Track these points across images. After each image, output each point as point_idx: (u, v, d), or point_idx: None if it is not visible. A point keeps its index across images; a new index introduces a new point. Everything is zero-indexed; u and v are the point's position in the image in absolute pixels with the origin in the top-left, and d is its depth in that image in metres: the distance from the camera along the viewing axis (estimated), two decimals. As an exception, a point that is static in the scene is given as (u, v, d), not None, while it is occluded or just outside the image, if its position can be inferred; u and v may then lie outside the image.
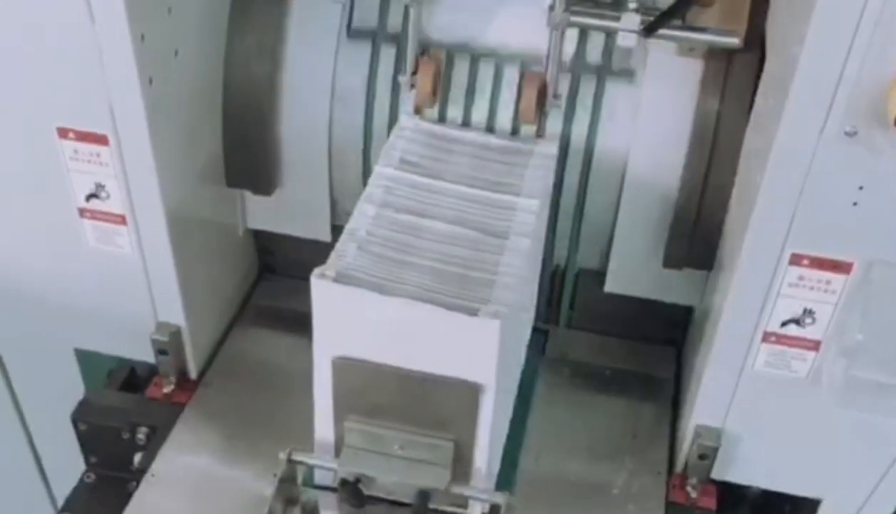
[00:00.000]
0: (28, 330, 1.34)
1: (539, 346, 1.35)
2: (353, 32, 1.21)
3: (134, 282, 1.19)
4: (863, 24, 0.82)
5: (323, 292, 0.93)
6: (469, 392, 0.94)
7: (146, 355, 1.26)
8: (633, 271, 1.23)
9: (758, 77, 1.07)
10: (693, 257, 1.17)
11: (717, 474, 1.17)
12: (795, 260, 0.97)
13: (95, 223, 1.15)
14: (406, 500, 1.01)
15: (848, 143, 0.88)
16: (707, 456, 1.14)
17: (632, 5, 1.06)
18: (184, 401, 1.26)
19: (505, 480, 1.10)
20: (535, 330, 1.32)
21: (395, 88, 1.20)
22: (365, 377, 0.97)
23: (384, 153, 1.11)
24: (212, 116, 1.21)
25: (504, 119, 1.18)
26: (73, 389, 1.33)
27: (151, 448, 1.19)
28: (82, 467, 1.25)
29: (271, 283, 1.45)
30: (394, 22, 1.21)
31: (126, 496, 1.14)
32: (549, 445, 1.23)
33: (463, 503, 1.01)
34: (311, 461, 1.02)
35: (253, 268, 1.45)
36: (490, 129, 1.18)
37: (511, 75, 1.17)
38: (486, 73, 1.17)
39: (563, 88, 1.15)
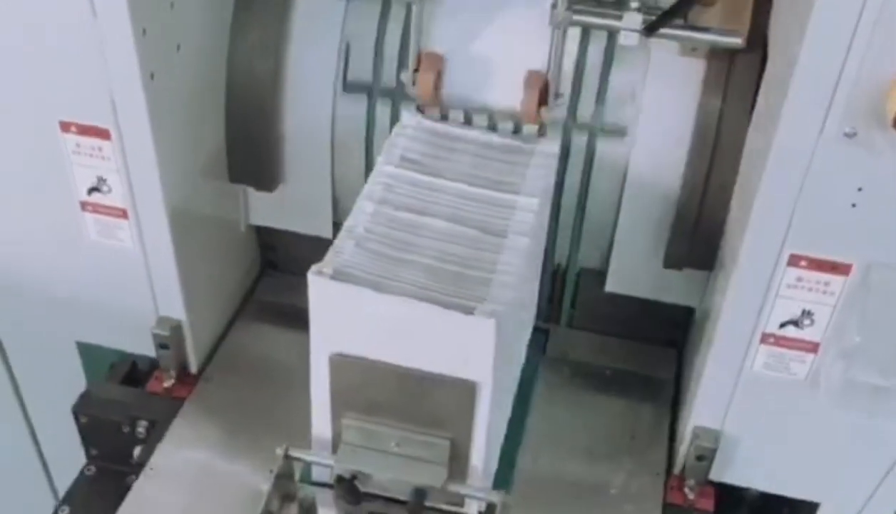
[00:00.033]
0: (30, 323, 1.35)
1: (540, 345, 1.35)
2: (352, 33, 1.21)
3: (135, 276, 1.20)
4: (862, 25, 0.82)
5: (320, 289, 0.93)
6: (466, 391, 0.94)
7: (147, 349, 1.26)
8: (634, 270, 1.22)
9: (760, 77, 1.07)
10: (694, 258, 1.17)
11: (715, 475, 1.16)
12: (794, 261, 0.97)
13: (97, 217, 1.15)
14: (402, 497, 1.01)
15: (847, 144, 0.88)
16: (705, 457, 1.14)
17: (634, 4, 1.06)
18: (184, 395, 1.26)
19: (502, 479, 1.10)
20: (535, 329, 1.32)
21: (399, 85, 1.20)
22: (362, 374, 0.97)
23: (385, 151, 1.11)
24: (214, 112, 1.21)
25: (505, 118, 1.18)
26: (75, 382, 1.34)
27: (150, 442, 1.19)
28: (83, 459, 1.25)
29: (273, 279, 1.45)
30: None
31: (125, 490, 1.14)
32: (547, 444, 1.22)
33: (459, 501, 1.01)
34: (307, 458, 1.02)
35: (255, 264, 1.45)
36: (492, 127, 1.18)
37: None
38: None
39: (565, 87, 1.15)
